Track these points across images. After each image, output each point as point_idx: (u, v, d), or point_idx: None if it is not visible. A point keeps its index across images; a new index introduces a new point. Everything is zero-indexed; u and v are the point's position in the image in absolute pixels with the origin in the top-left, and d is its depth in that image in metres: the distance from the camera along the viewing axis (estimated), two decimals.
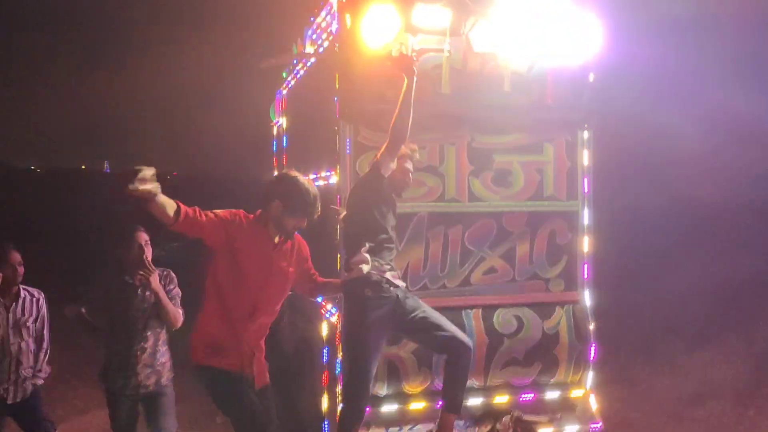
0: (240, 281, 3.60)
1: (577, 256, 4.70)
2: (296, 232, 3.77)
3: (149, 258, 4.17)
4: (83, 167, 31.83)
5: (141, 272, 4.11)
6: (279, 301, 3.80)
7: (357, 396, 3.79)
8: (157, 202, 3.27)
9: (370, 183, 3.95)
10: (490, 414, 4.33)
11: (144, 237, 4.23)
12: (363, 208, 3.91)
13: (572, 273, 4.69)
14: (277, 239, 3.70)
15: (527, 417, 4.26)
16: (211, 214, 3.54)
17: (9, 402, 4.41)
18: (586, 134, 4.71)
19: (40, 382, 4.52)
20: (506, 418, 3.75)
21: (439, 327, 3.86)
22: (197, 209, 3.50)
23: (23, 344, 4.44)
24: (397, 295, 3.84)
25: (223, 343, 3.61)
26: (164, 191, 3.29)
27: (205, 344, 3.63)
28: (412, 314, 3.85)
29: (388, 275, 3.81)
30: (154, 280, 4.12)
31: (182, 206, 3.43)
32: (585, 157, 4.71)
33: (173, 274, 4.33)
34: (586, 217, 4.72)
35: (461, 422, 4.18)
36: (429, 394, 4.42)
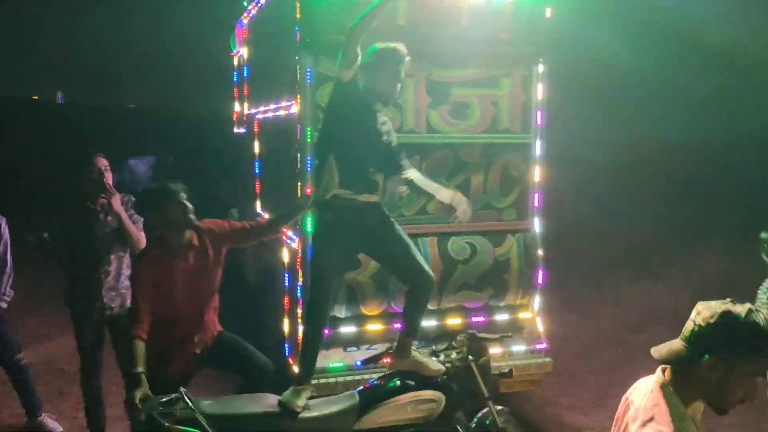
0: (171, 301, 3.64)
1: (529, 187, 4.89)
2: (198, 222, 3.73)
3: (110, 182, 4.22)
4: (35, 97, 30.56)
5: (102, 195, 4.16)
6: (211, 295, 3.83)
7: (316, 316, 3.84)
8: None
9: (340, 98, 3.71)
10: (445, 334, 4.57)
11: (104, 162, 4.27)
12: (334, 129, 3.76)
13: (524, 203, 4.89)
14: (186, 238, 3.68)
15: (480, 335, 4.51)
16: (143, 303, 3.52)
17: None
18: (541, 68, 4.82)
19: (4, 305, 4.58)
20: (461, 336, 3.95)
21: (408, 258, 3.83)
22: (143, 318, 3.49)
23: None
24: (361, 219, 3.77)
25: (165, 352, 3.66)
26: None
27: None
28: (383, 239, 3.82)
29: (362, 197, 3.74)
30: (116, 202, 4.17)
31: (140, 330, 3.46)
32: (539, 92, 4.84)
33: (135, 199, 4.35)
34: (538, 149, 4.88)
35: (416, 342, 4.39)
36: (385, 317, 4.65)
